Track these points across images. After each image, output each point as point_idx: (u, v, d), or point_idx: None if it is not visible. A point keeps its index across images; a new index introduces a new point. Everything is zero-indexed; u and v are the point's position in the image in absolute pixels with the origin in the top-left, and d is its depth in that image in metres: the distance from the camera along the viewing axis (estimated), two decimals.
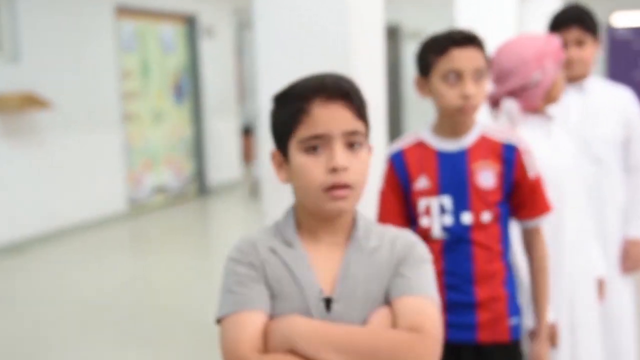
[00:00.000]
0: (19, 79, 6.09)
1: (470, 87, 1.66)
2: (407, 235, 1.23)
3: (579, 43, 2.52)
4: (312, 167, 1.13)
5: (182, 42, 8.33)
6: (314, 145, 1.13)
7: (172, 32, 8.14)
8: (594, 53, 2.57)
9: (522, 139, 1.78)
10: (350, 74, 1.93)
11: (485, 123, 1.82)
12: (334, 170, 1.12)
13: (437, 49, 1.70)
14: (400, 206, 1.77)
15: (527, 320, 1.85)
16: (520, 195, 1.76)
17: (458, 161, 1.74)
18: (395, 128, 13.77)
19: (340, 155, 1.12)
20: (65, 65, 6.52)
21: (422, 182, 1.75)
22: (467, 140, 1.75)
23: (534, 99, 2.01)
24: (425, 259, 1.21)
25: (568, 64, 2.53)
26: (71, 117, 6.58)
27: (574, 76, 2.57)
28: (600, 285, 2.18)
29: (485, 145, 1.74)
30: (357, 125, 1.15)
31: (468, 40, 1.68)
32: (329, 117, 1.13)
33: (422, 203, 1.74)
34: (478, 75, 1.68)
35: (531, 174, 1.76)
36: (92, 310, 4.44)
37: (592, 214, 2.40)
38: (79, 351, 3.81)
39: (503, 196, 1.74)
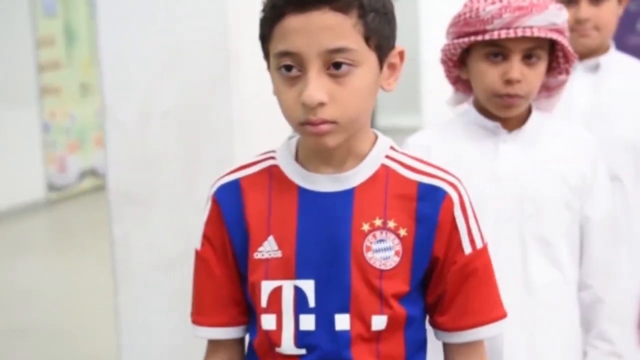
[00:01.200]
0: None
1: (314, 90, 0.93)
2: None
3: None
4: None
5: None
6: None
7: None
8: (617, 13, 1.76)
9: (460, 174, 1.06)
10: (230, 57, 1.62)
11: (387, 140, 1.06)
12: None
13: (269, 13, 0.96)
14: (230, 287, 1.04)
15: None
16: (442, 285, 1.03)
17: (334, 214, 0.99)
18: None
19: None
20: None
21: (267, 248, 1.00)
22: (354, 176, 1.01)
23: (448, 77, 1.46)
24: None
25: (575, 29, 1.75)
26: None
27: (586, 49, 1.76)
28: None
29: (388, 186, 1.01)
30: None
31: None
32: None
33: (265, 287, 1.00)
34: (341, 65, 0.94)
35: (468, 247, 1.02)
36: None
37: None
38: None
39: (412, 285, 1.01)
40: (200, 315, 1.07)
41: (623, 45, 2.01)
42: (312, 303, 0.98)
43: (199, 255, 1.06)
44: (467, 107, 1.43)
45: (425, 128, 1.53)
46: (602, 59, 1.79)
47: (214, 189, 1.06)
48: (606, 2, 1.74)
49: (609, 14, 1.75)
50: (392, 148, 1.04)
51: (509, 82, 1.30)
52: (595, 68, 1.80)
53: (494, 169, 1.37)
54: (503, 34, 1.28)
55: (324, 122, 0.93)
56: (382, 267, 0.98)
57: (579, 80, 1.78)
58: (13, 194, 6.25)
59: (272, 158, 1.05)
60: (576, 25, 1.74)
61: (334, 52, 0.92)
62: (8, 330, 3.77)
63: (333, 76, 0.93)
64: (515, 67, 1.30)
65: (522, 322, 1.35)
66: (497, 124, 1.37)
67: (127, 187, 1.68)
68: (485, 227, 1.27)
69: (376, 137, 1.04)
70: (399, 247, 0.99)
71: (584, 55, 1.78)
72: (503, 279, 1.25)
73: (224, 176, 1.06)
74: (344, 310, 0.98)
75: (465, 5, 1.33)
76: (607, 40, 1.80)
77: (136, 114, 1.65)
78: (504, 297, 1.21)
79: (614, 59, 1.82)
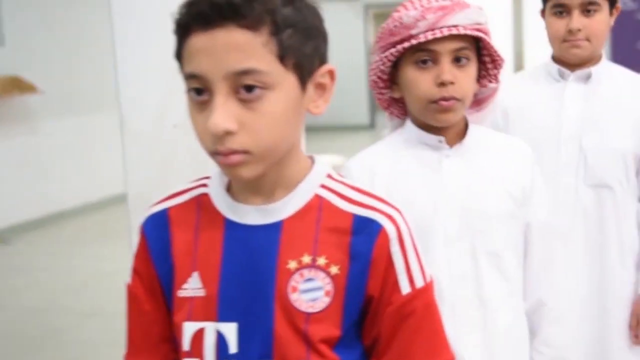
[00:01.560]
0: (3, 63, 5.92)
1: (219, 117, 0.82)
2: None
3: (586, 8, 1.76)
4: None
5: None
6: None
7: None
8: (608, 24, 1.79)
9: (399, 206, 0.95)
10: None
11: (330, 163, 0.97)
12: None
13: (177, 30, 0.87)
14: (161, 324, 0.97)
15: None
16: (377, 327, 0.93)
17: (259, 250, 0.90)
18: None
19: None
20: (57, 48, 6.42)
21: (192, 285, 0.92)
22: (284, 207, 0.91)
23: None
24: None
25: (567, 40, 1.77)
26: (65, 100, 6.51)
27: (577, 59, 1.80)
28: None
29: (320, 219, 0.91)
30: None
31: (225, 10, 0.82)
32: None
33: (187, 329, 0.92)
34: (253, 88, 0.83)
35: (406, 287, 0.92)
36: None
37: (589, 261, 1.78)
38: None
39: (344, 328, 0.91)
40: (132, 354, 0.99)
41: (633, 53, 2.02)
42: (233, 349, 0.89)
43: (129, 290, 0.99)
44: (407, 122, 1.38)
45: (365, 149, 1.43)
46: (594, 69, 1.79)
47: (143, 219, 0.97)
48: (598, 13, 1.75)
49: (601, 25, 1.76)
50: (329, 176, 0.94)
51: (442, 84, 1.25)
52: (587, 78, 1.80)
53: (439, 185, 1.31)
54: (429, 35, 1.24)
55: (234, 152, 0.83)
56: (310, 310, 0.89)
57: (570, 89, 1.80)
58: (103, 188, 6.77)
59: (204, 186, 0.96)
60: (568, 36, 1.76)
61: (241, 74, 0.82)
62: (79, 312, 4.05)
63: (243, 101, 0.83)
64: (446, 68, 1.25)
65: (480, 338, 1.32)
66: (440, 138, 1.32)
67: (143, 194, 1.72)
68: (435, 246, 1.28)
69: (312, 164, 0.94)
70: (329, 287, 0.89)
71: (576, 65, 1.80)
72: (458, 296, 1.29)
73: (154, 205, 0.97)
74: (266, 356, 0.89)
75: (388, 19, 1.30)
76: (598, 51, 1.80)
77: (150, 124, 1.82)
78: (460, 314, 1.21)
79: (605, 69, 1.82)
